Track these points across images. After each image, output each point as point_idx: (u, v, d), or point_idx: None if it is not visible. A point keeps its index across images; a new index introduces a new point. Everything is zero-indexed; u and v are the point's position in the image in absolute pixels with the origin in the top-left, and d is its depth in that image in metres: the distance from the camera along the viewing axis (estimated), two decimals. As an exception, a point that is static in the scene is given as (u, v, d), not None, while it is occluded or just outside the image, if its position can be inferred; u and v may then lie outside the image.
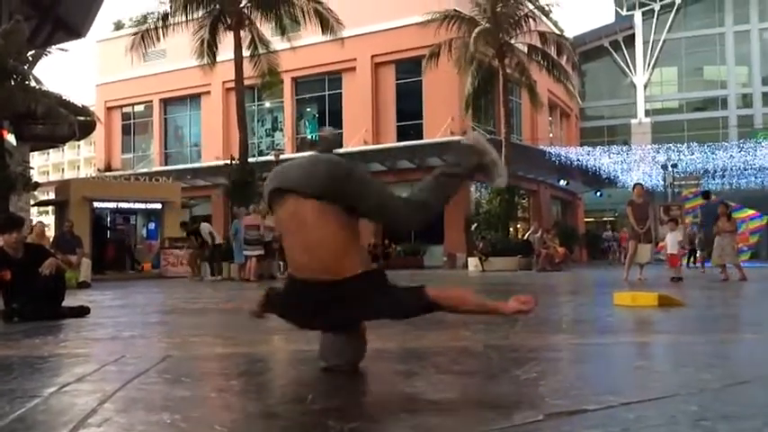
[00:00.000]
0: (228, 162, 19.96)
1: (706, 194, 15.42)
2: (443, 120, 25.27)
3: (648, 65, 43.92)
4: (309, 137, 30.06)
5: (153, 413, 2.20)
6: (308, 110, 30.91)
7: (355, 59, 27.25)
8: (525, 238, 20.82)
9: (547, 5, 25.29)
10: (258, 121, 31.49)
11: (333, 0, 20.07)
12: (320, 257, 2.65)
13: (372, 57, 27.49)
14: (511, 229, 23.47)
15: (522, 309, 2.62)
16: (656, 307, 5.83)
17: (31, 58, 17.92)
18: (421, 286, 2.63)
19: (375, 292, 2.66)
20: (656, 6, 43.81)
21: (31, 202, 22.70)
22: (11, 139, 18.87)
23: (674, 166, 28.75)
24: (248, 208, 14.93)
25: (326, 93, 29.61)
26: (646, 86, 44.17)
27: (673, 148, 29.83)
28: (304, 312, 2.78)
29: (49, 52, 18.42)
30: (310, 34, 20.68)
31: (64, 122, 17.35)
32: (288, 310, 2.88)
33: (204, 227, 16.10)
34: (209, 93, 30.94)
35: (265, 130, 31.74)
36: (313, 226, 2.65)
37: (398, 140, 26.61)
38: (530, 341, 3.91)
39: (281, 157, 20.23)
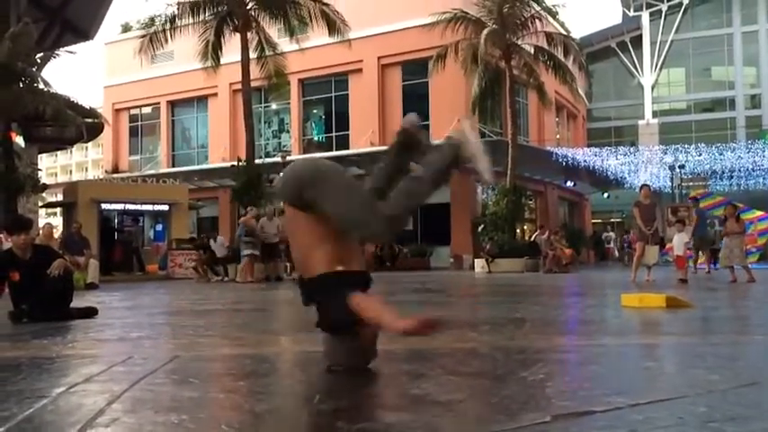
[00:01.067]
0: (235, 163, 20.00)
1: (695, 201, 15.39)
2: (450, 121, 25.17)
3: (656, 66, 43.77)
4: (316, 138, 30.10)
5: (161, 413, 2.21)
6: (315, 111, 30.96)
7: (362, 61, 27.27)
8: (532, 239, 20.78)
9: (554, 6, 25.25)
10: (265, 122, 31.56)
11: (339, 1, 20.09)
12: (296, 258, 2.94)
13: (379, 58, 27.51)
14: (518, 231, 23.42)
15: (410, 328, 2.55)
16: (664, 308, 5.81)
17: (39, 61, 18.03)
18: (350, 297, 2.64)
19: (328, 296, 2.75)
20: (664, 7, 43.65)
21: (40, 204, 22.81)
22: (19, 140, 18.99)
23: (682, 167, 28.63)
24: (247, 210, 15.04)
25: (333, 94, 29.64)
26: (653, 87, 44.01)
27: (680, 149, 29.71)
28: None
29: (57, 54, 18.53)
30: (317, 36, 20.71)
31: (72, 124, 17.44)
32: None
33: (219, 241, 16.01)
34: (216, 95, 31.02)
35: (272, 132, 31.79)
36: (290, 229, 2.97)
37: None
38: (537, 342, 3.90)
39: (288, 158, 20.27)
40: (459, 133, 2.98)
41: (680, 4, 43.24)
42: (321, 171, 2.86)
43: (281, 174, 3.04)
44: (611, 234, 28.66)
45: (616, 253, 29.76)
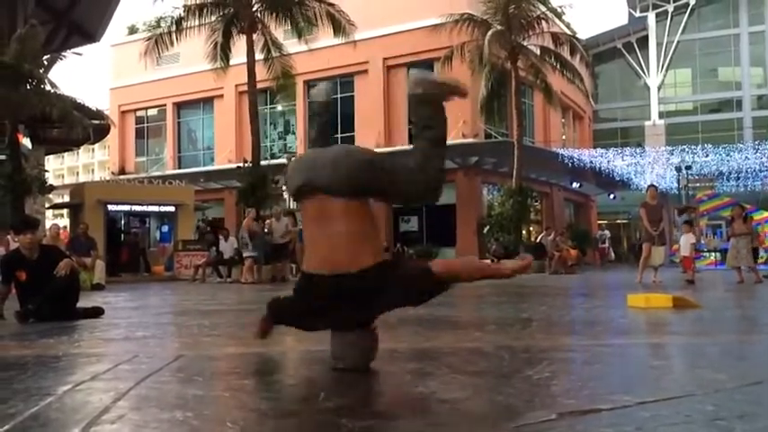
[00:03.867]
0: (241, 165, 20.01)
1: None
2: (455, 122, 25.17)
3: (662, 66, 43.63)
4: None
5: (166, 411, 2.21)
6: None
7: (367, 62, 27.27)
8: (538, 240, 20.73)
9: (559, 7, 25.23)
10: (270, 123, 31.59)
11: (345, 2, 20.11)
12: (342, 250, 2.70)
13: (384, 59, 27.50)
14: (523, 232, 23.37)
15: (520, 266, 2.76)
16: (671, 309, 5.78)
17: (46, 63, 18.08)
18: (428, 270, 2.66)
19: (389, 284, 2.68)
20: (670, 8, 43.51)
21: (46, 205, 22.89)
22: (26, 142, 19.06)
23: (689, 168, 28.51)
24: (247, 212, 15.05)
25: (338, 95, 29.62)
26: (659, 88, 43.87)
27: (687, 150, 29.58)
28: (317, 310, 2.79)
29: (63, 56, 18.59)
30: (322, 37, 20.74)
31: (78, 126, 17.50)
32: (298, 312, 2.89)
33: (230, 242, 15.87)
34: (221, 96, 31.07)
35: (278, 133, 31.83)
36: (339, 221, 2.72)
37: (411, 143, 26.31)
38: (542, 342, 3.89)
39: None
40: (410, 87, 2.92)
41: (686, 5, 43.10)
42: (365, 154, 2.86)
43: (324, 165, 2.79)
44: (606, 233, 27.51)
45: (612, 254, 28.69)
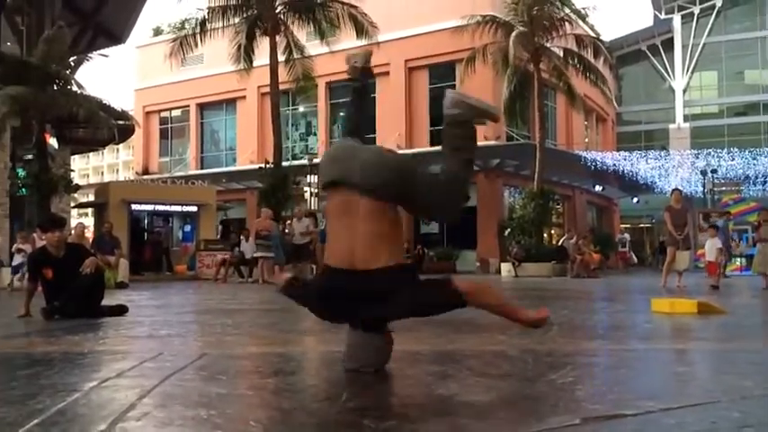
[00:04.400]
0: (263, 166, 20.13)
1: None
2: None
3: (687, 69, 43.09)
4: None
5: (190, 409, 2.23)
6: (342, 114, 31.03)
7: (389, 64, 27.27)
8: (560, 243, 20.58)
9: (583, 9, 25.02)
10: (292, 125, 31.74)
11: (366, 4, 20.15)
12: (362, 248, 2.70)
13: (406, 61, 27.51)
14: (545, 235, 23.22)
15: (540, 317, 2.76)
16: (696, 314, 5.71)
17: (73, 64, 18.39)
18: (448, 280, 2.68)
19: (404, 288, 2.69)
20: (696, 10, 42.97)
21: (72, 204, 23.22)
22: (53, 142, 19.36)
23: (714, 171, 28.15)
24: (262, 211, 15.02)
25: (360, 97, 29.67)
26: (685, 91, 43.33)
27: (712, 153, 29.20)
28: (333, 303, 2.79)
29: (90, 57, 18.91)
30: (344, 39, 20.79)
31: (104, 126, 17.76)
32: (314, 300, 2.87)
33: (252, 242, 15.97)
34: (244, 97, 31.28)
35: (299, 135, 31.97)
36: (363, 219, 2.72)
37: (431, 145, 26.52)
38: (566, 346, 3.86)
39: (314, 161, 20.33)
40: (455, 101, 2.89)
41: (712, 7, 42.53)
42: (412, 165, 2.87)
43: (364, 162, 2.79)
44: (626, 236, 26.55)
45: (633, 258, 27.57)
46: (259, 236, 13.91)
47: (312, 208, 22.38)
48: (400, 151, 25.73)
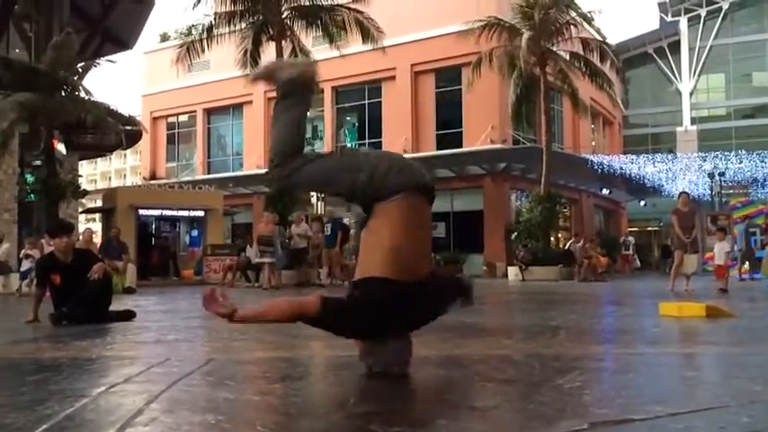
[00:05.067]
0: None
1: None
2: (483, 128, 25.16)
3: (694, 72, 42.95)
4: (349, 145, 30.21)
5: (197, 414, 2.23)
6: (348, 119, 31.11)
7: (395, 68, 27.33)
8: (566, 247, 20.52)
9: (589, 12, 25.01)
10: (299, 129, 31.79)
11: (372, 9, 20.19)
12: (428, 255, 2.89)
13: (412, 65, 27.54)
14: (552, 239, 23.16)
15: None
16: (704, 318, 5.68)
17: (80, 70, 18.47)
18: (454, 270, 2.90)
19: (440, 291, 2.87)
20: (703, 12, 42.84)
21: (80, 210, 23.32)
22: (61, 148, 19.45)
23: (722, 174, 28.03)
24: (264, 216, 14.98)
25: (366, 101, 29.75)
26: (692, 94, 43.17)
27: (720, 156, 29.09)
28: (397, 319, 2.73)
29: (98, 63, 18.97)
30: (350, 44, 20.84)
31: (112, 132, 17.83)
32: (359, 320, 2.69)
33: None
34: (251, 102, 31.39)
35: (306, 139, 31.94)
36: (428, 225, 2.91)
37: (438, 149, 26.56)
38: (573, 350, 3.85)
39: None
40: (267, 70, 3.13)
41: (719, 9, 42.40)
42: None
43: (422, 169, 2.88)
44: (631, 239, 25.85)
45: (637, 261, 27.20)
46: (261, 241, 13.80)
47: (319, 212, 22.43)
48: (407, 156, 25.82)
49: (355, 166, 2.76)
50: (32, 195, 17.31)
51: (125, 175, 66.91)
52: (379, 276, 2.65)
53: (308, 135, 31.83)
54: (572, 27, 21.50)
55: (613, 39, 33.39)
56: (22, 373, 3.37)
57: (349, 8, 19.75)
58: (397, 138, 26.89)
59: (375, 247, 2.71)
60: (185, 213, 20.83)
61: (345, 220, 16.02)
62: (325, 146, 30.31)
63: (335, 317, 2.68)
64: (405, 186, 2.69)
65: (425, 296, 2.75)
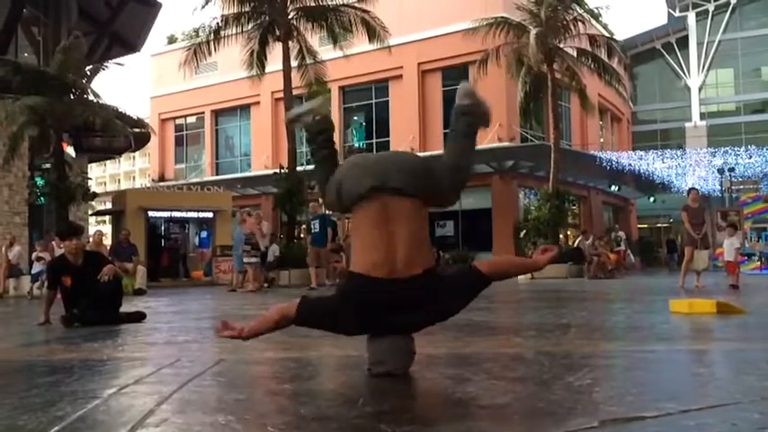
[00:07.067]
0: (277, 171, 20.22)
1: None
2: (491, 126, 25.09)
3: (703, 67, 42.71)
4: (357, 145, 30.24)
5: (208, 414, 2.24)
6: (356, 118, 31.11)
7: (402, 67, 27.32)
8: (575, 245, 20.45)
9: (596, 9, 24.92)
10: (306, 129, 31.82)
11: (378, 8, 20.19)
12: (408, 250, 2.75)
13: (419, 64, 27.52)
14: (561, 236, 23.09)
15: (552, 257, 2.93)
16: (715, 314, 5.65)
17: (89, 73, 18.55)
18: (471, 266, 2.88)
19: (439, 294, 2.78)
20: (711, 7, 42.59)
21: (89, 212, 23.44)
22: (70, 151, 19.57)
23: (732, 170, 27.86)
24: (245, 215, 14.56)
25: (373, 101, 29.75)
26: (700, 89, 42.93)
27: (729, 151, 28.92)
28: (370, 316, 2.75)
29: (106, 66, 19.02)
30: (357, 43, 20.85)
31: (120, 134, 17.92)
32: (336, 314, 2.80)
33: (272, 249, 15.80)
34: (258, 103, 31.46)
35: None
36: (408, 221, 2.79)
37: (445, 148, 26.52)
38: (583, 348, 3.84)
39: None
40: (468, 93, 3.19)
41: (727, 4, 42.13)
42: (421, 158, 3.06)
43: (395, 164, 2.89)
44: (621, 234, 25.01)
45: (631, 257, 25.52)
46: (247, 241, 13.26)
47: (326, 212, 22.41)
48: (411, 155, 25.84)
49: (331, 183, 3.01)
50: (42, 198, 17.42)
51: (134, 177, 67.22)
52: (353, 271, 2.82)
53: (316, 135, 31.85)
54: (579, 24, 21.41)
55: (621, 35, 33.42)
56: (33, 375, 3.40)
57: (355, 8, 19.76)
58: (404, 137, 26.89)
59: (353, 246, 2.95)
60: (194, 215, 20.89)
61: (335, 217, 15.17)
62: (332, 146, 30.27)
63: (312, 316, 2.83)
64: (358, 196, 2.85)
65: (410, 293, 2.69)
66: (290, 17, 19.59)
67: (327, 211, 14.10)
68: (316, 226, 13.83)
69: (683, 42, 43.25)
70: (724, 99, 43.48)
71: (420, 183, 2.85)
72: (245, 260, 13.14)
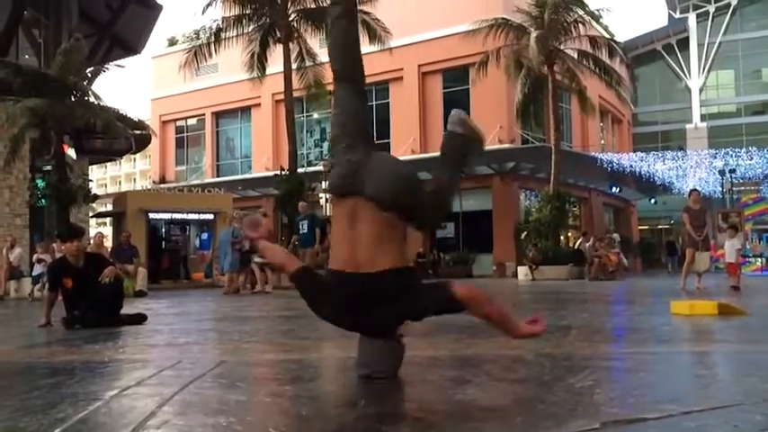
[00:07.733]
0: (278, 173, 20.23)
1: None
2: (491, 128, 25.09)
3: (704, 68, 42.72)
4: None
5: (209, 416, 2.24)
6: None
7: (402, 69, 27.35)
8: (576, 246, 20.46)
9: (597, 10, 24.93)
10: (307, 131, 31.87)
11: (379, 10, 20.22)
12: (363, 250, 2.76)
13: (419, 66, 27.55)
14: (561, 238, 23.09)
15: (535, 331, 2.83)
16: (716, 316, 5.65)
17: (90, 75, 18.56)
18: (447, 284, 2.72)
19: (405, 294, 2.72)
20: (711, 8, 42.62)
21: (90, 214, 23.45)
22: (71, 153, 19.57)
23: (732, 171, 27.87)
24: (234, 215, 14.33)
25: (374, 102, 29.73)
26: (701, 90, 42.94)
27: (730, 152, 28.93)
28: (334, 305, 2.81)
29: (106, 68, 19.04)
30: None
31: (121, 136, 17.93)
32: (318, 297, 2.89)
33: None
34: (258, 105, 31.49)
35: (314, 141, 32.09)
36: (365, 223, 2.79)
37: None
38: (583, 350, 3.83)
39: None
40: (461, 122, 3.10)
41: (728, 5, 42.16)
42: (419, 182, 2.99)
43: (378, 175, 2.86)
44: (616, 236, 24.39)
45: (624, 260, 23.56)
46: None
47: (327, 214, 22.41)
48: (414, 157, 25.79)
49: (341, 147, 3.08)
50: (43, 200, 17.43)
51: (135, 179, 67.23)
52: (329, 264, 2.94)
53: (317, 137, 31.93)
54: (580, 25, 21.44)
55: (621, 36, 33.41)
56: (34, 377, 3.40)
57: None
58: (405, 138, 26.91)
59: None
60: (195, 216, 20.89)
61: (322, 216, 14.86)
62: (333, 147, 30.30)
63: (303, 283, 2.93)
64: (332, 195, 3.01)
65: (374, 286, 2.70)
66: (290, 19, 19.62)
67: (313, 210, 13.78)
68: (304, 226, 13.56)
69: (684, 44, 43.27)
70: (725, 100, 43.48)
71: (400, 202, 2.82)
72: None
